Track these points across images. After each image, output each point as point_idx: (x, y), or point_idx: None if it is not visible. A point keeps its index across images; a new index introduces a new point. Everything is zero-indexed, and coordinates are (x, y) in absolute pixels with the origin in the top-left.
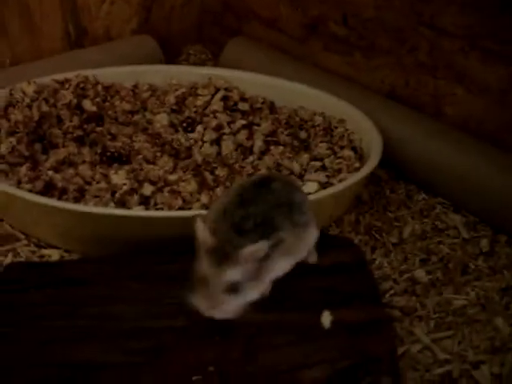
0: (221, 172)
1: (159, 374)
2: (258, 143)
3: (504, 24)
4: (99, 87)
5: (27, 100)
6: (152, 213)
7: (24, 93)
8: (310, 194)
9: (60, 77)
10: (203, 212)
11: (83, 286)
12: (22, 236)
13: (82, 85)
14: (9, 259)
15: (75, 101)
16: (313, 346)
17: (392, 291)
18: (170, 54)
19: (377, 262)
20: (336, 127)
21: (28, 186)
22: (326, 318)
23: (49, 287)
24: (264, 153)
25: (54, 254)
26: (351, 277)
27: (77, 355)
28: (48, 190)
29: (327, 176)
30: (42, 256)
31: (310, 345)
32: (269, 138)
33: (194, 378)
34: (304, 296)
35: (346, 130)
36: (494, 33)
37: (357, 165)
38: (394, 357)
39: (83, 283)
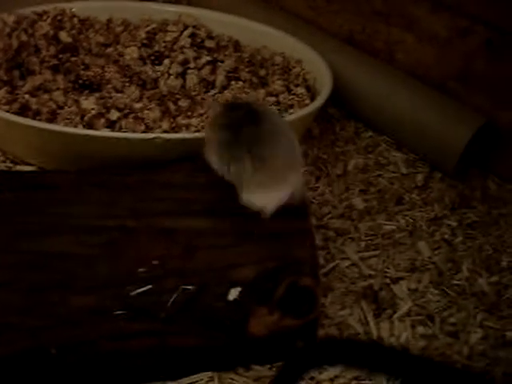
0: (183, 103)
1: (111, 265)
2: (220, 78)
3: None
4: (75, 20)
5: (7, 29)
6: (115, 134)
7: (4, 23)
8: None
9: (39, 9)
10: (161, 135)
11: (50, 190)
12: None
13: (59, 17)
14: None
15: (52, 32)
16: (244, 249)
17: (330, 215)
18: None
19: (319, 190)
20: (294, 67)
21: (5, 108)
22: (233, 293)
23: (21, 190)
24: (225, 87)
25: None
26: None
27: (44, 245)
28: (23, 111)
29: (279, 110)
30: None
31: (242, 248)
32: (231, 74)
33: (139, 270)
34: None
35: (302, 69)
36: None
37: (308, 101)
38: (314, 261)
39: (50, 188)
